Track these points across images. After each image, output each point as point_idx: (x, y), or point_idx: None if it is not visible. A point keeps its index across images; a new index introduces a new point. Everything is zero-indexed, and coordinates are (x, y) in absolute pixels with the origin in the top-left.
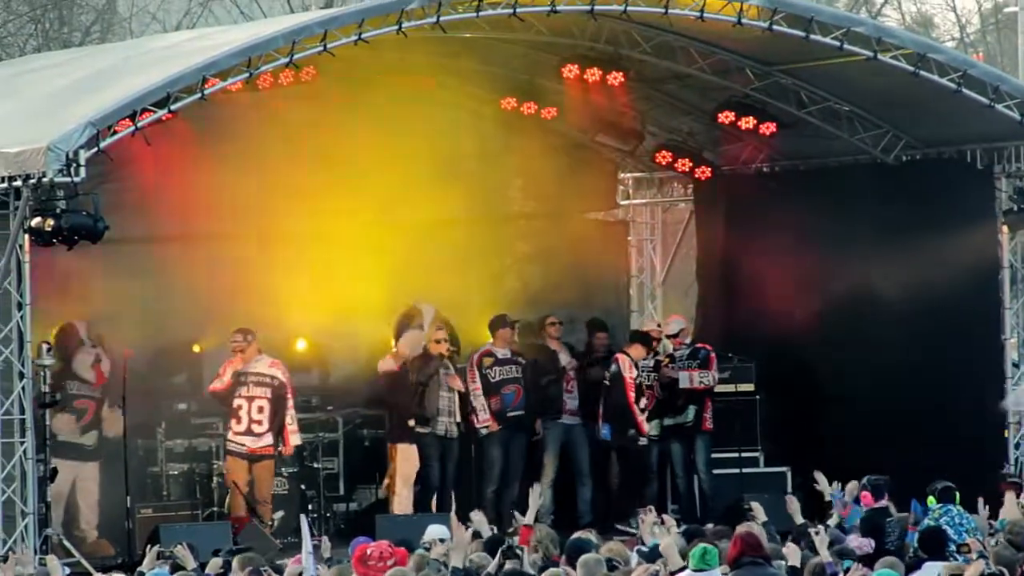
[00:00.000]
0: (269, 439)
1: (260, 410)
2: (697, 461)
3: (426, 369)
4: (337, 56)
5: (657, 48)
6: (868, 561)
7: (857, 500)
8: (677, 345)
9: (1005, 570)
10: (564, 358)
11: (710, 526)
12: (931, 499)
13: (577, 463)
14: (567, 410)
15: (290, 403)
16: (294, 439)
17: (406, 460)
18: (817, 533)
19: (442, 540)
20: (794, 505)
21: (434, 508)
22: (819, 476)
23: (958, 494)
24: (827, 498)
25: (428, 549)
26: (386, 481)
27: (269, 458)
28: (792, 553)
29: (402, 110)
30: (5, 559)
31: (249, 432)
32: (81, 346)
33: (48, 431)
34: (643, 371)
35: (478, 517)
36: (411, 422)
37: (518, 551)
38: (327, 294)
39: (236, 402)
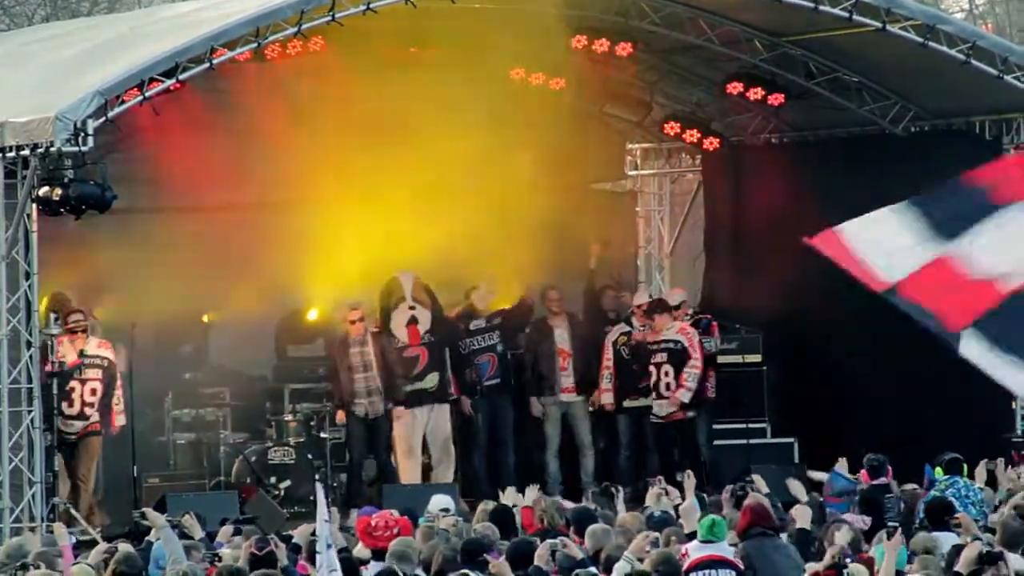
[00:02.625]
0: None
1: (92, 392)
2: (697, 432)
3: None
4: (345, 26)
5: (666, 19)
6: (866, 538)
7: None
8: (681, 316)
9: (1004, 549)
10: (560, 335)
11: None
12: (938, 470)
13: (578, 435)
14: (564, 388)
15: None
16: (119, 420)
17: (403, 427)
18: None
19: (446, 510)
20: (796, 486)
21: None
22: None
23: (965, 466)
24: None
25: (432, 520)
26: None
27: (95, 435)
28: (801, 515)
29: (410, 80)
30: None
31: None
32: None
33: (56, 400)
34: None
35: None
36: (407, 387)
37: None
38: (334, 264)
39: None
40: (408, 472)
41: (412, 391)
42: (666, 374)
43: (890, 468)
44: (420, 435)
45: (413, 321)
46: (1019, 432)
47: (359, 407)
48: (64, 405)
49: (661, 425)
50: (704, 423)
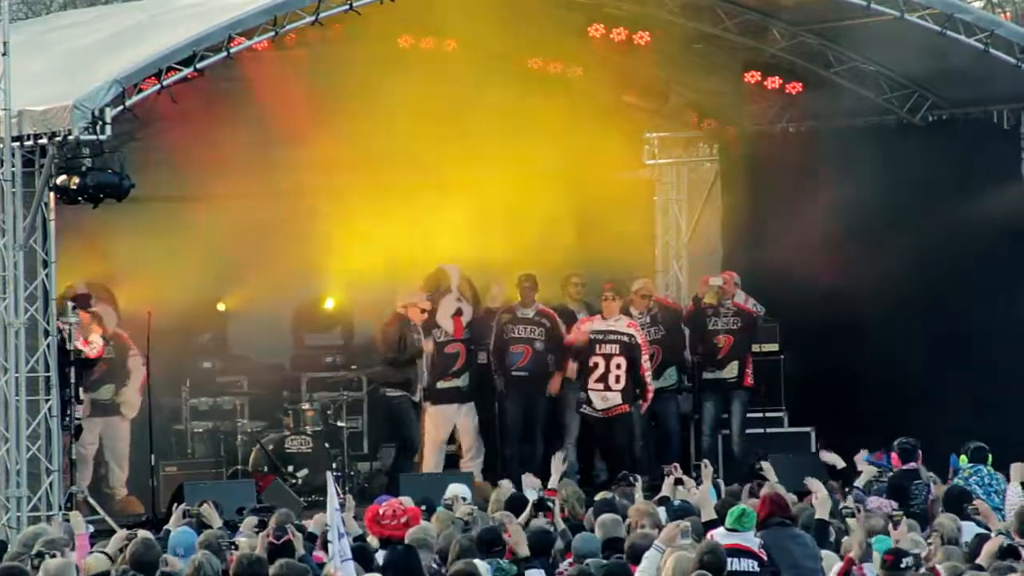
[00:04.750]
0: None
1: None
2: (733, 421)
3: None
4: (363, 15)
5: (684, 7)
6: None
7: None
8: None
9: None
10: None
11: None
12: (963, 458)
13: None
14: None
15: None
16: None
17: (434, 424)
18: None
19: (464, 499)
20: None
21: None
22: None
23: (991, 455)
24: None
25: (450, 507)
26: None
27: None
28: (821, 504)
29: (428, 69)
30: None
31: None
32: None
33: (74, 388)
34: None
35: (528, 480)
36: (440, 382)
37: (549, 504)
38: (352, 254)
39: None
40: (432, 465)
41: (446, 388)
42: (617, 367)
43: (920, 453)
44: (448, 430)
45: (459, 313)
46: None
47: (416, 391)
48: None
49: (603, 420)
50: (740, 412)
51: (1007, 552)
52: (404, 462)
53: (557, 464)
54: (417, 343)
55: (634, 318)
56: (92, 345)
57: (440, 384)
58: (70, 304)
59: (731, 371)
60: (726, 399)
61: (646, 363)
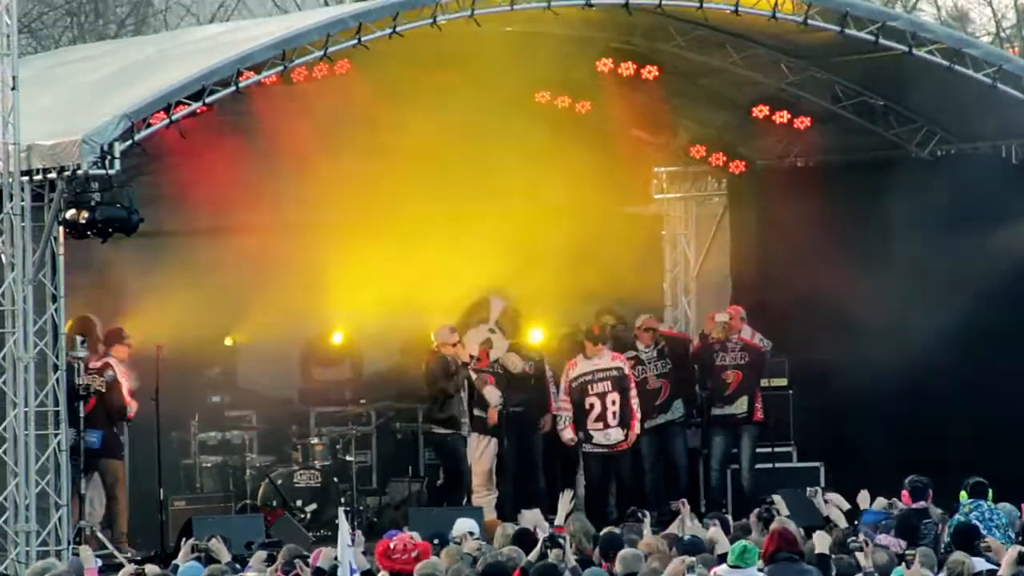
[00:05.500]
0: None
1: None
2: (742, 456)
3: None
4: (371, 49)
5: (692, 42)
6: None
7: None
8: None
9: None
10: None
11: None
12: (963, 494)
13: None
14: None
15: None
16: None
17: (478, 454)
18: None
19: (472, 534)
20: (819, 498)
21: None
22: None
23: (991, 491)
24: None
25: (459, 543)
26: None
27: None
28: (820, 540)
29: (435, 104)
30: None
31: None
32: (98, 343)
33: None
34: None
35: (531, 515)
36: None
37: (560, 540)
38: (360, 287)
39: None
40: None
41: (476, 416)
42: (612, 402)
43: (931, 492)
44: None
45: (487, 344)
46: None
47: (463, 427)
48: None
49: (607, 456)
50: (749, 447)
51: None
52: (455, 496)
53: (564, 501)
54: (463, 375)
55: (640, 353)
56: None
57: (476, 412)
58: (79, 339)
59: (740, 407)
60: (735, 434)
61: (634, 396)
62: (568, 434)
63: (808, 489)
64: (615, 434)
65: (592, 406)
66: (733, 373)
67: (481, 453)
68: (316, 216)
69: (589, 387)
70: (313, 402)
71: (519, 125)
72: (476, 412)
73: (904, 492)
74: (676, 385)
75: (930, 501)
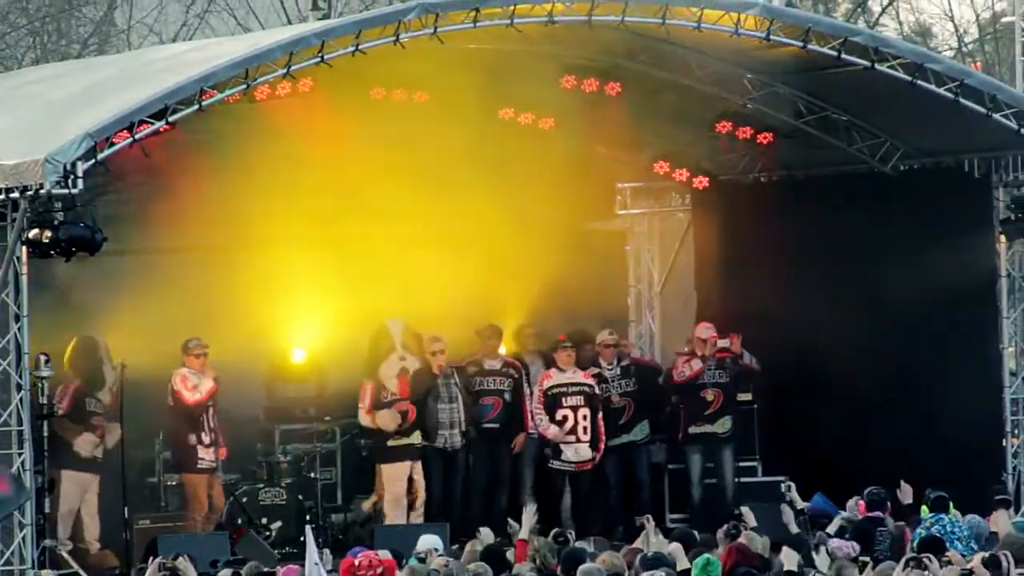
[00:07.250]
0: None
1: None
2: (725, 471)
3: (421, 385)
4: (334, 67)
5: (655, 58)
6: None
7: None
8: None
9: None
10: (535, 372)
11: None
12: (924, 508)
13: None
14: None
15: None
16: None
17: (391, 480)
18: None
19: (436, 550)
20: (788, 514)
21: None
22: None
23: (951, 503)
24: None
25: (423, 560)
26: (372, 498)
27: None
28: (788, 557)
29: (400, 120)
30: None
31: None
32: (102, 365)
33: (68, 447)
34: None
35: (486, 531)
36: (390, 441)
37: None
38: (324, 305)
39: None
40: (395, 520)
41: (399, 445)
42: (584, 417)
43: (889, 504)
44: (405, 485)
45: (404, 372)
46: (1009, 472)
47: (440, 438)
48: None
49: (572, 473)
50: (731, 462)
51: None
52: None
53: (528, 515)
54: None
55: (604, 370)
56: (198, 390)
57: (391, 443)
58: (43, 358)
59: (723, 426)
60: (712, 451)
61: (601, 418)
62: (553, 430)
63: (782, 485)
64: (585, 451)
65: (565, 418)
66: (714, 392)
67: (413, 475)
68: (279, 233)
69: (563, 399)
70: (278, 420)
71: (483, 142)
72: (396, 441)
73: (861, 502)
74: (641, 407)
75: (888, 513)
